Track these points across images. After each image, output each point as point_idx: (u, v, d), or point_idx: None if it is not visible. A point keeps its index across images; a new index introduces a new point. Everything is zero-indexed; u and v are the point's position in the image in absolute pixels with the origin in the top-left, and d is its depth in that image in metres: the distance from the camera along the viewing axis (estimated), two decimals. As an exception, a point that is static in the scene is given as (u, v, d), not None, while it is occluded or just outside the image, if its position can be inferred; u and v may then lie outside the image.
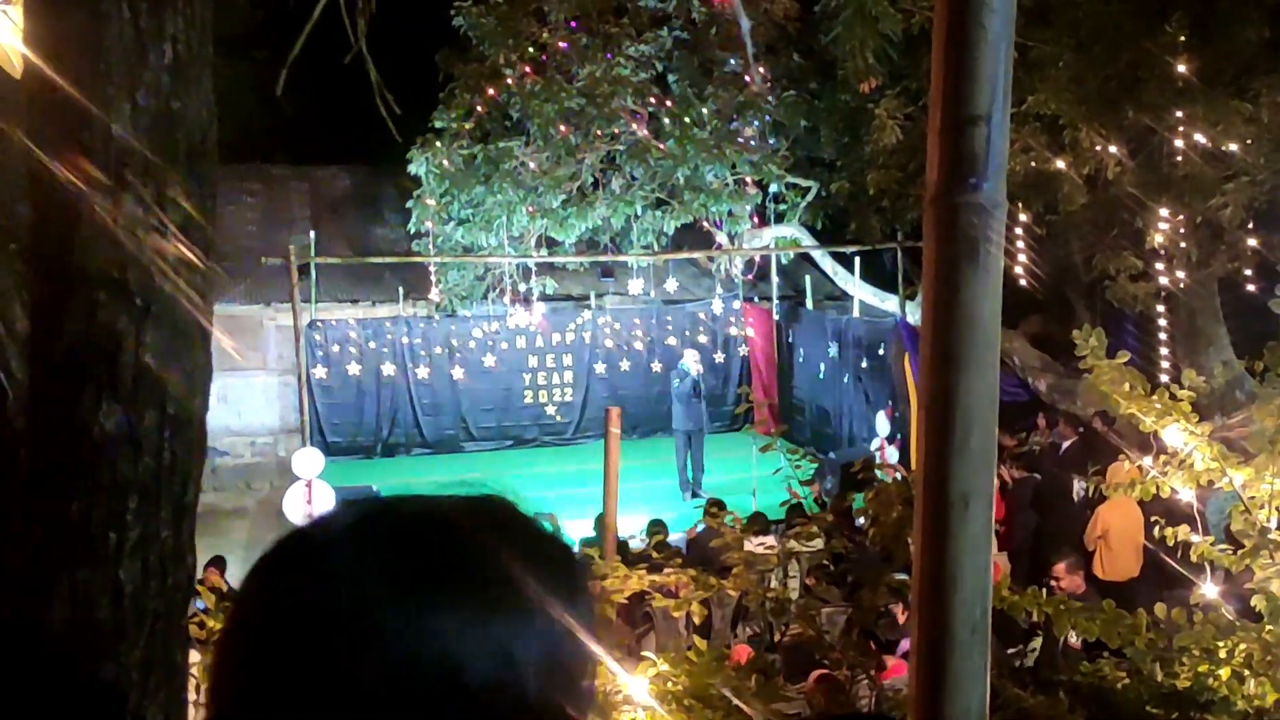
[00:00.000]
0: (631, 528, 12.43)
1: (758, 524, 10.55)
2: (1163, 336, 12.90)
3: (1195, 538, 4.00)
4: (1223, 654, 3.14)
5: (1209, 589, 3.98)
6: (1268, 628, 3.29)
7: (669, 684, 2.73)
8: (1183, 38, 10.92)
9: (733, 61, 16.08)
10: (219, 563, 11.52)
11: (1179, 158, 11.49)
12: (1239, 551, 3.59)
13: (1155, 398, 4.02)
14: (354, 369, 18.01)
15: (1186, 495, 4.06)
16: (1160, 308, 12.67)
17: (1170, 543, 3.95)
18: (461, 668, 0.83)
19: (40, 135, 1.43)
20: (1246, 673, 3.05)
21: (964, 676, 1.48)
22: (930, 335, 1.48)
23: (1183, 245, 11.70)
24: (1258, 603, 3.66)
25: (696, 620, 3.47)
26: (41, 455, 1.50)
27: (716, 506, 11.16)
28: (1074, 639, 5.42)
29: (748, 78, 15.94)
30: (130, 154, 1.39)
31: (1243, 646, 3.14)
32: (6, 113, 1.76)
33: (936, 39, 1.47)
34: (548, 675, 0.87)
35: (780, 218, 17.03)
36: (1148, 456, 4.26)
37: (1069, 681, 3.24)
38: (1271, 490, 3.52)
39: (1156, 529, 4.20)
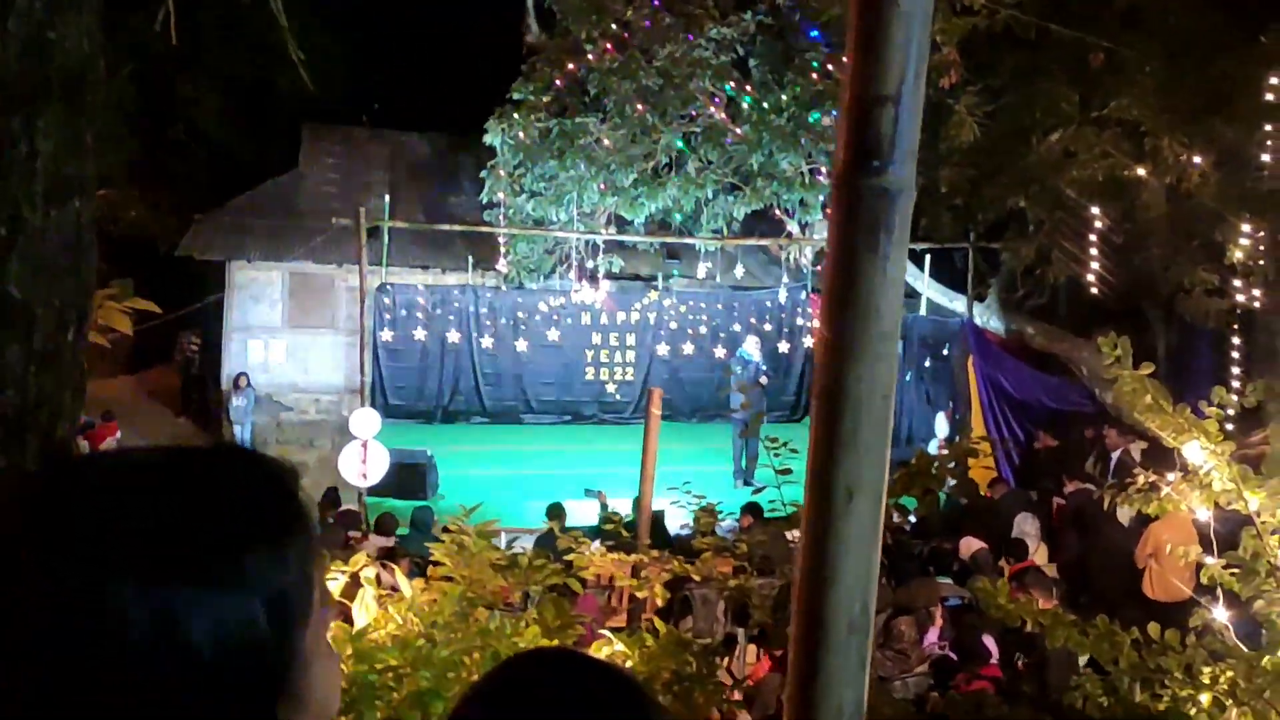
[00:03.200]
0: (679, 513, 12.41)
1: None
2: (1237, 355, 12.51)
3: (1209, 559, 3.87)
4: (1206, 679, 3.03)
5: (1220, 612, 3.86)
6: (1266, 657, 3.17)
7: (626, 663, 2.72)
8: (1277, 52, 10.55)
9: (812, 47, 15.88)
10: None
11: (1264, 173, 11.11)
12: (1245, 575, 3.47)
13: (1177, 413, 3.89)
14: (420, 334, 18.20)
15: (1203, 515, 3.93)
16: (1236, 326, 12.28)
17: (1179, 563, 3.83)
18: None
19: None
20: (1229, 701, 2.95)
21: (839, 675, 1.43)
22: (825, 322, 1.43)
23: (1262, 262, 11.32)
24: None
25: (659, 602, 3.44)
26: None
27: (753, 512, 11.15)
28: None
29: (830, 66, 15.72)
30: (-1, 80, 1.37)
31: (1229, 674, 3.03)
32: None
33: (851, 17, 1.41)
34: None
35: (853, 210, 16.82)
36: (1171, 474, 4.13)
37: (1052, 697, 3.15)
38: (1284, 516, 3.39)
39: (1173, 549, 4.08)
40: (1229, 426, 4.07)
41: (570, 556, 3.29)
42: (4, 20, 1.40)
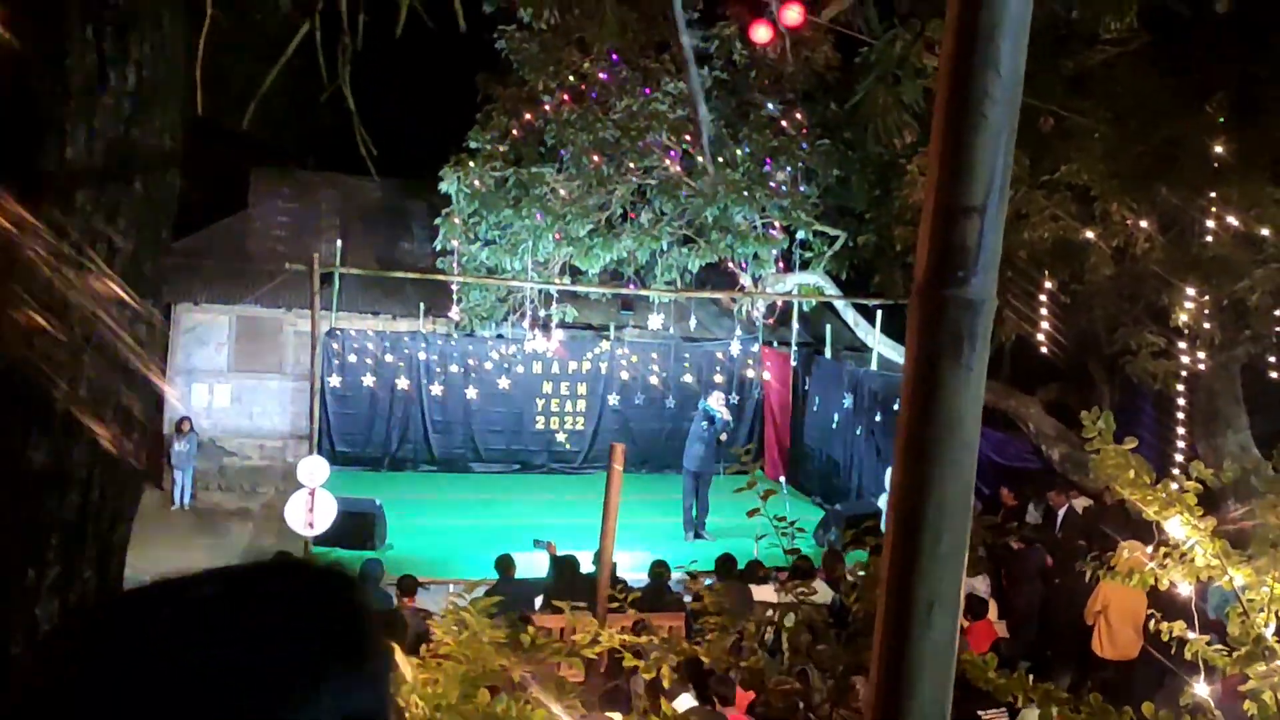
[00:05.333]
0: (629, 564, 12.32)
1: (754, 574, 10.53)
2: (1180, 416, 12.75)
3: (1191, 635, 3.90)
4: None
5: (1201, 688, 3.88)
6: (1256, 738, 3.19)
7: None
8: (1222, 119, 10.84)
9: (770, 105, 16.09)
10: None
11: (1209, 238, 11.37)
12: (1234, 654, 3.50)
13: (1159, 488, 3.92)
14: (369, 380, 18.01)
15: (1185, 590, 3.96)
16: (1180, 387, 12.52)
17: (1165, 638, 3.85)
18: None
19: (-7, 152, 1.38)
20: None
21: (914, 789, 1.41)
22: (906, 430, 1.42)
23: (1206, 326, 11.57)
24: (1250, 708, 3.56)
25: (665, 684, 3.40)
26: (-35, 486, 1.43)
27: (726, 565, 11.09)
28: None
29: (784, 123, 15.92)
30: (82, 179, 1.33)
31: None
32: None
33: (935, 126, 1.41)
34: None
35: (805, 265, 16.99)
36: (1149, 545, 4.16)
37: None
38: (1271, 594, 3.42)
39: (1152, 622, 4.10)
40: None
41: (576, 637, 3.24)
42: (90, 120, 1.36)
